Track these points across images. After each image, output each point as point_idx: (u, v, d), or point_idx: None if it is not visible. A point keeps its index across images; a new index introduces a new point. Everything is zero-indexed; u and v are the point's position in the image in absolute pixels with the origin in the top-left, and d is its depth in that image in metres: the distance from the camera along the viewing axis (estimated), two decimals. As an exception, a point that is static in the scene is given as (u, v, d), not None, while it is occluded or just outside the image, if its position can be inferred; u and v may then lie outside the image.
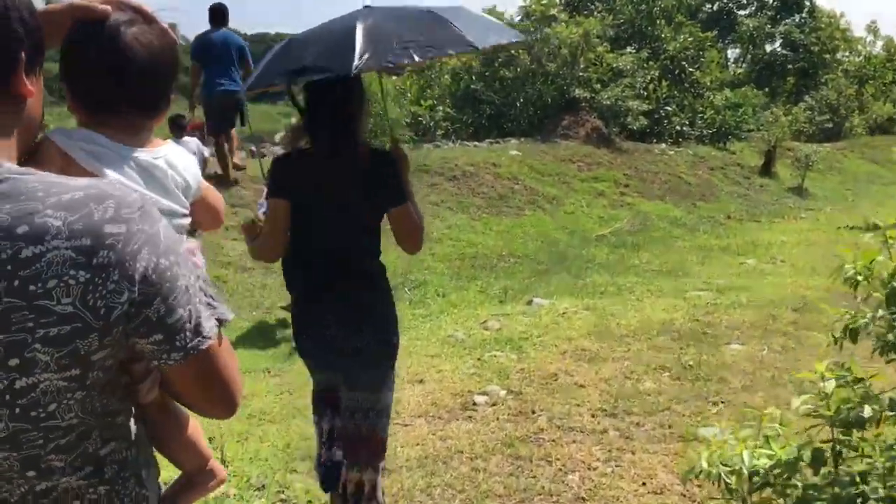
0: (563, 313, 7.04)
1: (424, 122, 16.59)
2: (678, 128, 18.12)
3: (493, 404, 4.93)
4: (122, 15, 1.37)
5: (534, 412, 4.75)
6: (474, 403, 4.95)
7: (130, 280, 1.08)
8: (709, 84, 19.65)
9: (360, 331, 2.78)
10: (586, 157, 14.72)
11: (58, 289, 1.03)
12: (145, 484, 1.30)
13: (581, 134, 16.00)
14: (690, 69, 19.24)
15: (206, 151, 9.30)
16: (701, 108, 18.88)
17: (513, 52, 17.32)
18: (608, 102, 16.22)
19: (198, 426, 1.64)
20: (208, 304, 1.23)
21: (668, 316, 6.85)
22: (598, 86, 16.76)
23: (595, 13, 18.98)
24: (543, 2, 17.65)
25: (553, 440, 4.35)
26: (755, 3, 32.49)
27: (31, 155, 1.28)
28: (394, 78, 15.87)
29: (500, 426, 4.57)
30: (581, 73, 16.72)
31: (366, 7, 3.09)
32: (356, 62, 2.57)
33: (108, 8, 1.36)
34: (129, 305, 1.09)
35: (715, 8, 32.60)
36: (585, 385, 5.18)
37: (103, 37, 1.34)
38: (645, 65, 18.00)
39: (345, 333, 2.78)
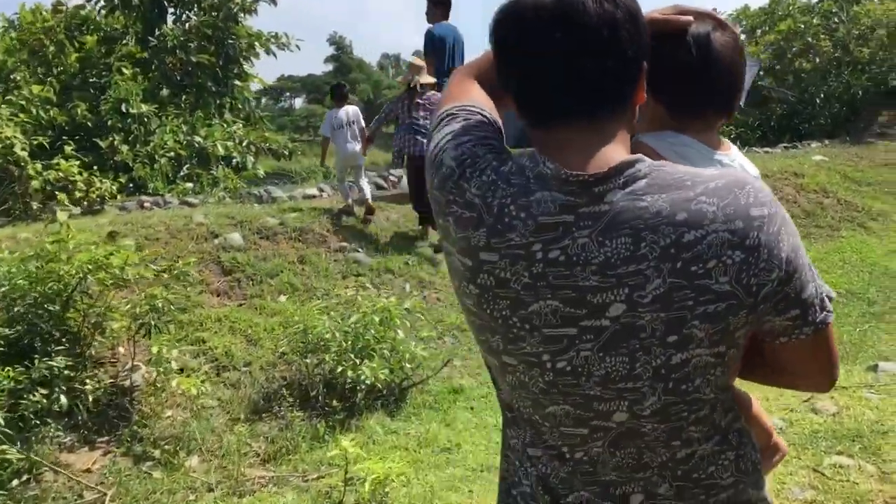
0: (937, 391, 4.78)
1: (702, 128, 14.34)
2: None
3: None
4: (703, 25, 1.43)
5: None
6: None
7: (778, 259, 1.13)
8: None
9: None
10: (916, 159, 11.72)
11: (716, 269, 1.11)
12: (758, 450, 1.34)
13: (905, 132, 12.93)
14: None
15: (362, 122, 8.12)
16: None
17: (809, 38, 14.57)
18: (942, 91, 12.98)
19: (759, 403, 1.52)
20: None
21: None
22: (927, 71, 13.54)
23: (917, -17, 15.54)
24: (849, -24, 14.73)
25: None
26: None
27: None
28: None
29: None
30: (902, 58, 13.60)
31: None
32: None
33: (691, 18, 1.42)
34: (777, 283, 1.14)
35: None
36: None
37: (694, 45, 1.42)
38: None
39: None
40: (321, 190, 8.85)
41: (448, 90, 1.44)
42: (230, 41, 10.69)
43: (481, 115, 1.32)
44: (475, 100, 1.36)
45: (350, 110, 8.17)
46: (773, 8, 16.73)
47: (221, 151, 9.35)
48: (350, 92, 9.61)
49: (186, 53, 9.71)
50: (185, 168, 9.04)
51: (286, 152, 10.84)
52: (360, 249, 7.21)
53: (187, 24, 10.06)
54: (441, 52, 7.95)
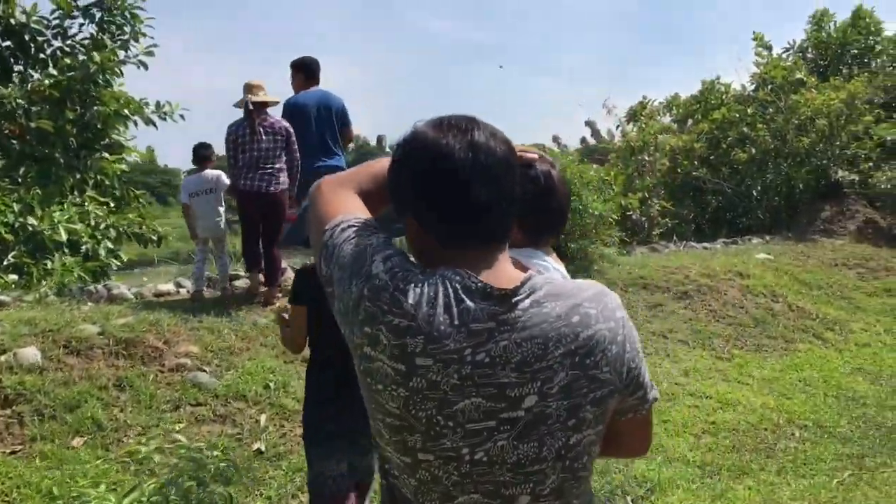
0: None
1: (634, 219, 13.20)
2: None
3: None
4: (543, 164, 1.86)
5: None
6: None
7: (635, 350, 1.42)
8: None
9: None
10: (867, 259, 10.72)
11: (601, 360, 1.35)
12: None
13: (850, 229, 12.04)
14: None
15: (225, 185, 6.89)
16: None
17: (745, 128, 13.73)
18: (886, 187, 12.12)
19: None
20: None
21: None
22: (869, 165, 12.71)
23: (855, 75, 14.95)
24: (786, 64, 14.03)
25: None
26: None
27: None
28: (594, 166, 12.41)
29: None
30: (843, 151, 12.78)
31: None
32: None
33: (535, 156, 1.86)
34: (636, 370, 1.41)
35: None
36: None
37: (543, 180, 1.86)
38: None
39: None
40: (179, 286, 7.20)
41: (327, 198, 1.52)
42: (96, 107, 9.12)
43: (378, 229, 1.45)
44: (364, 213, 1.49)
45: (210, 175, 6.80)
46: (704, 96, 16.01)
47: (64, 237, 7.67)
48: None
49: (28, 119, 8.09)
50: (10, 256, 7.29)
51: (154, 237, 9.20)
52: (205, 368, 5.56)
53: (29, 85, 8.45)
54: (300, 123, 6.66)
